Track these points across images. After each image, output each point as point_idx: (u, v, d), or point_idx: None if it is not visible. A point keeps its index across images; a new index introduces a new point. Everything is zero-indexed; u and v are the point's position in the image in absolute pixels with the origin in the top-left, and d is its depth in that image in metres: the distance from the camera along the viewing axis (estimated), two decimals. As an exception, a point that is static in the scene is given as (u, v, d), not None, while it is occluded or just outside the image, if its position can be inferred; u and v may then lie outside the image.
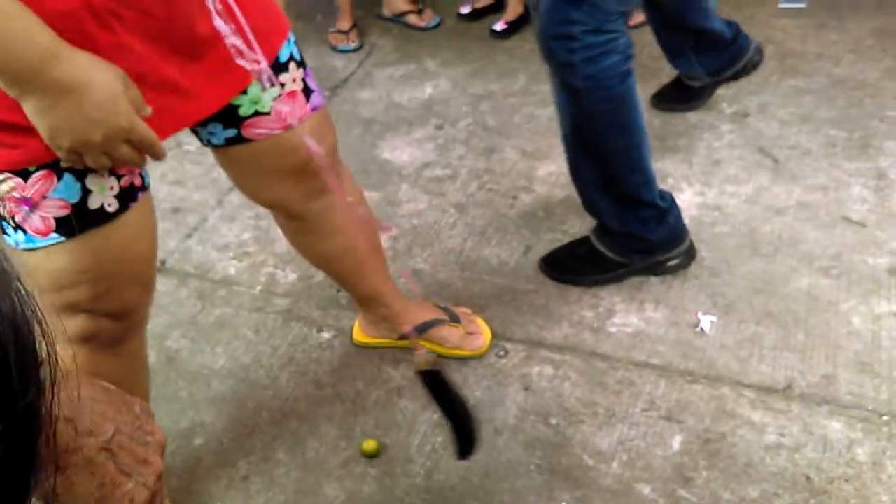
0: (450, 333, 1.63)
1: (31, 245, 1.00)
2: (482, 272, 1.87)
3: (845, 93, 2.35)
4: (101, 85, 0.86)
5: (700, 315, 1.68)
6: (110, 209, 1.01)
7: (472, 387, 1.59)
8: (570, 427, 1.49)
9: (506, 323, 1.72)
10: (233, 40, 0.98)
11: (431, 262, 1.91)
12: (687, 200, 1.98)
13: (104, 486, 0.57)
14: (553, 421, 1.51)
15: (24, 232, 1.00)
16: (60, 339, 1.18)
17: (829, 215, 1.93)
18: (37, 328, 0.32)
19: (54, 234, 1.00)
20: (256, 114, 1.13)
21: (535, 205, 2.06)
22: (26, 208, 0.97)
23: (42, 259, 1.01)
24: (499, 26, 2.86)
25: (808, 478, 1.37)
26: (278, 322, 1.78)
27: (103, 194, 1.00)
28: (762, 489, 1.36)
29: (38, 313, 0.33)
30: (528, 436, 1.49)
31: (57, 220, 0.98)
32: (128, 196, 1.03)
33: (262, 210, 2.09)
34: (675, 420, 1.48)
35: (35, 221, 0.98)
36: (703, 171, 2.10)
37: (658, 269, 1.78)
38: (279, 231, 2.06)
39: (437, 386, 1.22)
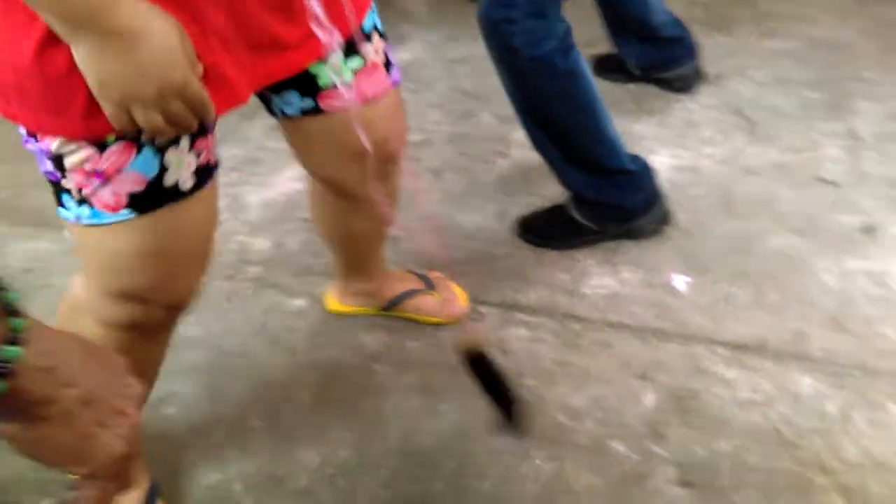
0: (426, 302, 1.63)
1: (96, 220, 0.94)
2: (458, 237, 1.86)
3: (822, 54, 2.35)
4: (158, 35, 0.79)
5: (674, 276, 1.68)
6: (186, 186, 0.95)
7: (447, 351, 1.59)
8: (545, 387, 1.50)
9: (481, 287, 1.72)
10: (314, 5, 0.91)
11: (407, 228, 1.90)
12: (662, 162, 1.97)
13: (81, 438, 0.57)
14: (528, 382, 1.51)
15: (90, 206, 0.93)
16: (95, 320, 1.05)
17: (803, 176, 1.93)
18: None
19: (125, 211, 0.93)
20: (336, 85, 1.07)
21: (511, 169, 2.05)
22: (97, 182, 0.90)
23: (105, 237, 0.95)
24: (474, -9, 2.82)
25: (779, 432, 1.39)
26: (251, 290, 1.76)
27: (180, 171, 0.94)
28: (734, 444, 1.37)
29: None
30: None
31: (130, 195, 0.92)
32: (204, 174, 0.98)
33: (232, 177, 2.07)
34: (648, 378, 1.49)
35: (105, 196, 0.92)
36: (679, 134, 2.09)
37: (634, 234, 1.78)
38: (250, 198, 2.05)
39: (482, 368, 1.13)
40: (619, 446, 1.38)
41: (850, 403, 1.43)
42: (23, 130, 0.91)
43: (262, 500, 1.36)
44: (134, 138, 0.89)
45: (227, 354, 1.61)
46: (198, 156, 0.96)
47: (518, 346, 1.58)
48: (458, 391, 1.51)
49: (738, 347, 1.53)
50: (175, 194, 0.95)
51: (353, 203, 1.32)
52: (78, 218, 0.94)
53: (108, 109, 0.83)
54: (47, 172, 0.94)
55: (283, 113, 1.13)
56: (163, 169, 0.92)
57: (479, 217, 1.91)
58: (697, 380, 1.48)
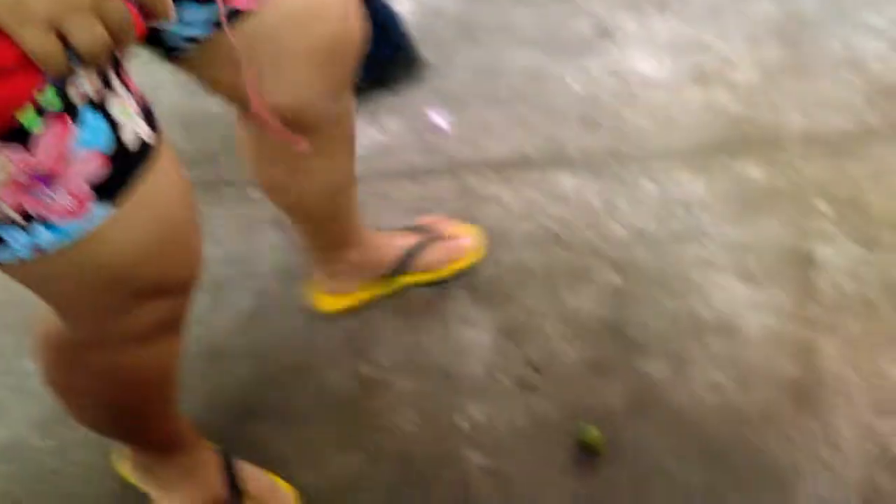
0: (433, 253, 1.38)
1: (66, 239, 0.65)
2: (201, 127, 1.75)
3: None
4: None
5: (433, 115, 1.70)
6: (150, 139, 0.67)
7: (223, 243, 1.53)
8: (331, 252, 1.49)
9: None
10: None
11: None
12: (402, 6, 1.94)
13: None
14: (314, 251, 1.49)
15: (47, 224, 0.64)
16: (111, 350, 0.84)
17: (537, -7, 1.98)
18: None
19: (95, 207, 0.65)
20: None
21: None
22: (43, 187, 0.61)
23: (88, 252, 0.67)
24: None
25: (555, 233, 1.48)
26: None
27: (133, 120, 0.65)
28: (515, 254, 1.44)
29: None
30: (293, 275, 1.46)
31: (93, 184, 0.64)
32: (150, 112, 0.69)
33: None
34: (429, 214, 1.51)
35: (61, 199, 0.63)
36: (413, -24, 2.06)
37: (388, 84, 1.76)
38: None
39: None
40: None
41: (610, 190, 1.54)
42: None
43: (64, 439, 1.27)
44: (61, 103, 0.59)
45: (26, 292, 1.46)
46: (128, 90, 0.67)
47: (297, 219, 1.55)
48: (242, 280, 1.47)
49: (503, 166, 1.59)
50: (146, 153, 0.67)
51: (319, 136, 1.01)
52: (36, 248, 0.65)
53: (28, 33, 0.53)
54: None
55: (186, 42, 0.84)
56: (114, 128, 0.64)
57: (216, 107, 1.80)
58: (473, 206, 1.53)
